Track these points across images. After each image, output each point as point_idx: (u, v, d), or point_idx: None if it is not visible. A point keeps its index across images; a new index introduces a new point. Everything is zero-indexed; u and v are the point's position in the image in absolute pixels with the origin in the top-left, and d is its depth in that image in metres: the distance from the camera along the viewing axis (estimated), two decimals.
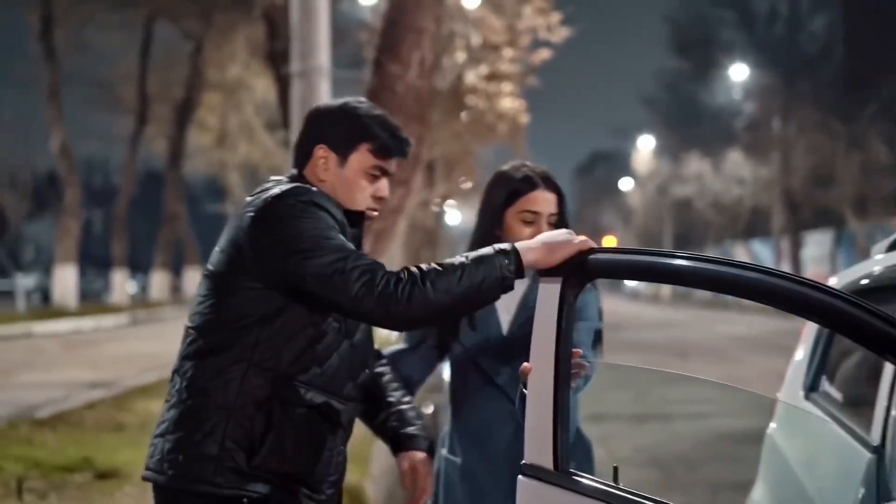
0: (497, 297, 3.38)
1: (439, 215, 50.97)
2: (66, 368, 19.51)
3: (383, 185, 3.72)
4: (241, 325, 3.49)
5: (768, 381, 17.17)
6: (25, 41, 43.44)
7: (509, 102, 30.40)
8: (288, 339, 3.48)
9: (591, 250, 3.30)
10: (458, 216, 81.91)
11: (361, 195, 3.67)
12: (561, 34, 26.88)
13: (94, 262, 73.39)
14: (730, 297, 12.88)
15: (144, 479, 3.58)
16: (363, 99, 3.82)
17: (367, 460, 11.64)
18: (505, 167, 4.40)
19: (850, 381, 4.58)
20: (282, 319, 3.47)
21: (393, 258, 29.26)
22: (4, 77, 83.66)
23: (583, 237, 3.35)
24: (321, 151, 3.68)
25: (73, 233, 40.84)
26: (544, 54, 28.34)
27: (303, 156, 3.75)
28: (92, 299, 52.25)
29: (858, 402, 4.20)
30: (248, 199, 3.63)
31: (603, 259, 3.31)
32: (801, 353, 5.12)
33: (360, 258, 3.35)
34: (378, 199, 3.71)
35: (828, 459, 4.28)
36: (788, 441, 4.90)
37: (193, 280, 56.59)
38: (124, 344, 26.21)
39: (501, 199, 4.31)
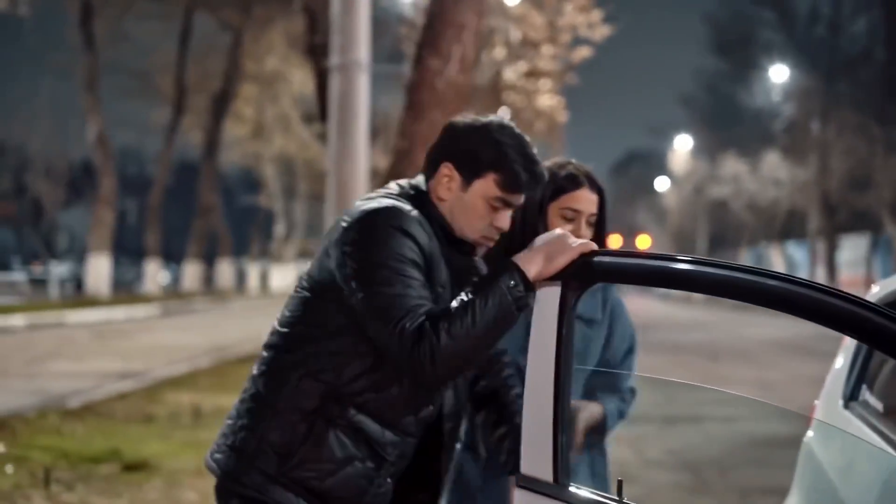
0: (517, 320, 3.25)
1: None
2: (97, 358, 19.51)
3: (504, 217, 3.47)
4: (310, 332, 3.39)
5: (800, 386, 17.05)
6: (65, 30, 43.63)
7: (548, 100, 30.38)
8: (351, 357, 3.34)
9: (593, 252, 3.18)
10: None
11: (479, 224, 3.46)
12: (602, 32, 26.87)
13: (128, 252, 73.56)
14: None
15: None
16: (508, 121, 3.51)
17: None
18: (548, 163, 4.19)
19: (891, 391, 4.48)
20: (350, 337, 3.33)
21: None
22: (43, 66, 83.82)
23: (583, 240, 3.24)
24: (446, 170, 3.46)
25: (107, 222, 40.92)
26: (584, 52, 28.32)
27: (430, 168, 3.52)
28: (125, 289, 52.35)
29: None
30: (357, 202, 3.47)
31: (606, 262, 3.19)
32: (840, 361, 5.04)
33: (412, 311, 3.19)
34: (497, 228, 3.48)
35: (866, 470, 4.19)
36: (826, 450, 4.79)
37: (226, 272, 56.74)
38: (155, 335, 26.24)
39: (546, 194, 4.16)
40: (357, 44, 13.87)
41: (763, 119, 68.03)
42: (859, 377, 4.75)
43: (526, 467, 3.13)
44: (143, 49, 49.63)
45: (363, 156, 13.74)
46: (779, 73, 60.16)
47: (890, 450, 3.81)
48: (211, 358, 19.82)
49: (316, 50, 16.76)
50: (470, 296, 3.19)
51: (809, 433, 5.06)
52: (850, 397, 4.77)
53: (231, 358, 19.91)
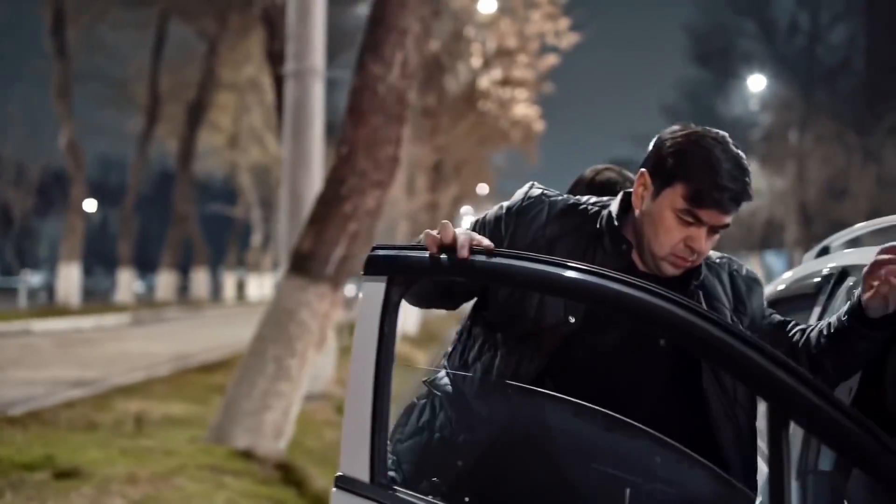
0: None
1: (452, 219, 50.87)
2: (55, 366, 19.31)
3: (699, 237, 3.20)
4: None
5: None
6: (39, 37, 43.45)
7: (523, 109, 30.37)
8: None
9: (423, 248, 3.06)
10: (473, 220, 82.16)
11: (668, 238, 3.22)
12: (569, 39, 26.83)
13: (105, 261, 73.25)
14: None
15: None
16: (721, 134, 3.27)
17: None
18: (591, 173, 4.18)
19: None
20: None
21: None
22: (16, 72, 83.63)
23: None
24: (641, 177, 3.33)
25: (77, 231, 40.62)
26: (551, 60, 28.32)
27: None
28: (99, 298, 52.06)
29: None
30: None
31: (414, 259, 3.06)
32: None
33: None
34: (689, 248, 3.22)
35: None
36: None
37: (201, 281, 56.45)
38: (121, 343, 26.01)
39: None
40: (312, 51, 13.82)
41: (741, 128, 68.08)
42: None
43: (344, 467, 3.07)
44: (118, 57, 49.39)
45: (318, 163, 13.68)
46: (757, 83, 60.18)
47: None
48: (171, 366, 19.61)
49: (274, 57, 16.69)
50: None
51: None
52: None
53: (193, 366, 19.72)
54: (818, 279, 4.04)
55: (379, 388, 3.02)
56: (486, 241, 3.01)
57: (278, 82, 15.80)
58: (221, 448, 10.01)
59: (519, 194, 3.46)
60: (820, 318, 3.65)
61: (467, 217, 75.66)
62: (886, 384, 3.15)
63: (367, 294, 3.10)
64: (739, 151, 3.21)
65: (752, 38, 65.09)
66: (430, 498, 2.98)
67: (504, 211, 3.43)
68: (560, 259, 2.95)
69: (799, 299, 4.23)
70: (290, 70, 13.85)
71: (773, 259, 67.93)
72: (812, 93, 57.39)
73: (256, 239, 68.87)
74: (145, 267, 67.60)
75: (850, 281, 3.62)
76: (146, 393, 15.34)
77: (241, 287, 68.82)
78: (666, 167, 3.25)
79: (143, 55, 48.31)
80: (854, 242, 4.56)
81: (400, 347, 25.73)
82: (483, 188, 53.57)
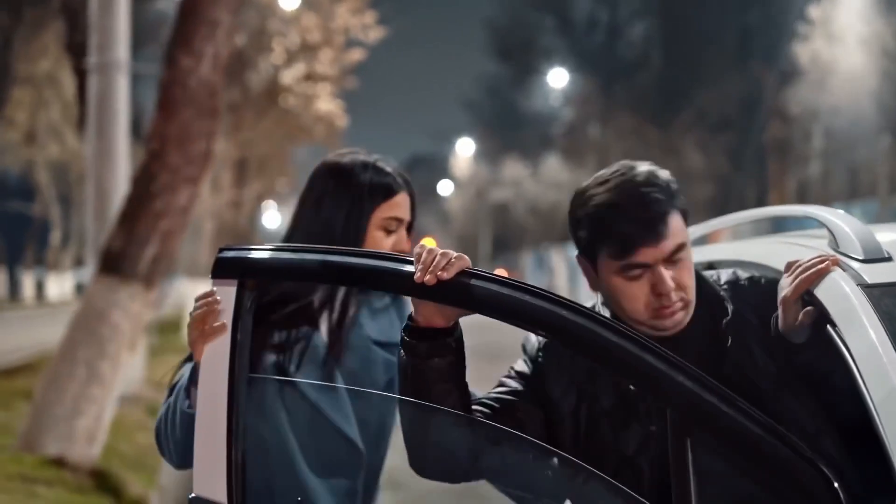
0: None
1: (254, 217, 50.30)
2: None
3: (656, 279, 2.90)
4: None
5: None
6: None
7: (326, 104, 30.22)
8: None
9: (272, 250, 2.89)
10: (276, 218, 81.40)
11: (634, 302, 2.93)
12: (375, 34, 26.76)
13: None
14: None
15: None
16: (609, 173, 3.00)
17: (155, 469, 11.19)
18: (344, 162, 3.52)
19: None
20: None
21: (199, 261, 28.72)
22: None
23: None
24: (581, 265, 3.11)
25: None
26: (357, 54, 28.24)
27: None
28: None
29: None
30: None
31: (266, 260, 2.85)
32: None
33: None
34: (660, 295, 2.91)
35: None
36: None
37: None
38: None
39: (363, 205, 3.46)
40: (116, 43, 13.42)
41: (543, 123, 68.91)
42: None
43: (198, 488, 2.77)
44: None
45: (123, 158, 13.31)
46: (558, 78, 60.92)
47: None
48: None
49: (75, 50, 16.23)
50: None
51: None
52: None
53: None
54: None
55: (233, 400, 2.76)
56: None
57: (80, 76, 15.32)
58: (31, 456, 9.61)
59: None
60: None
61: (270, 210, 75.05)
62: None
63: (224, 296, 2.83)
64: (632, 173, 2.98)
65: (553, 33, 65.98)
66: None
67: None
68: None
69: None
70: (93, 63, 13.42)
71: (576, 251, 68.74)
72: (612, 88, 58.38)
73: (56, 237, 67.28)
74: None
75: (713, 275, 3.52)
76: None
77: (40, 287, 67.12)
78: (584, 243, 3.00)
79: None
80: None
81: None
82: (285, 184, 53.17)
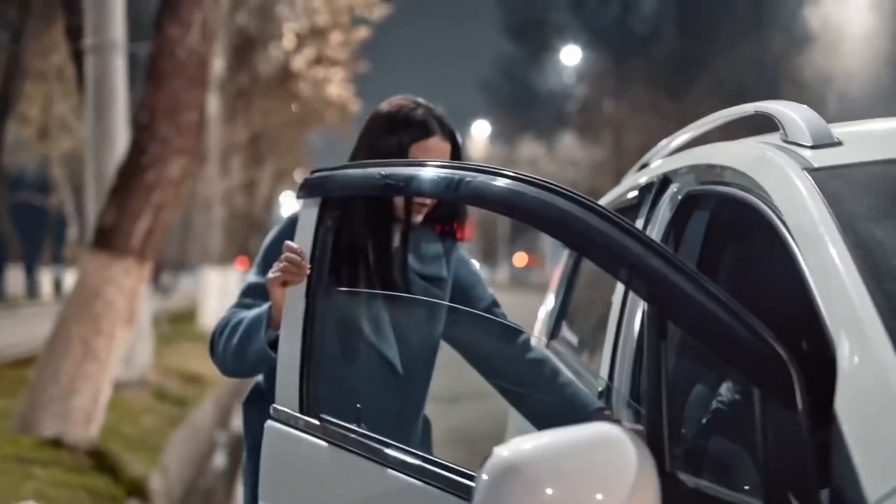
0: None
1: (271, 204, 50.20)
2: None
3: None
4: None
5: None
6: None
7: (337, 89, 30.10)
8: None
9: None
10: (294, 207, 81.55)
11: None
12: (380, 11, 26.58)
13: None
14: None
15: None
16: None
17: (159, 450, 11.04)
18: (389, 107, 3.67)
19: (583, 326, 4.40)
20: None
21: (211, 246, 28.55)
22: None
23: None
24: None
25: None
26: (362, 33, 28.09)
27: None
28: None
29: (591, 345, 3.97)
30: None
31: (344, 177, 3.11)
32: (549, 302, 5.06)
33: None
34: None
35: None
36: None
37: (16, 278, 54.88)
38: None
39: (394, 147, 3.56)
40: (111, 23, 13.23)
41: (557, 101, 68.70)
42: (559, 315, 4.66)
43: (278, 399, 3.07)
44: None
45: (122, 140, 13.11)
46: (571, 55, 60.72)
47: (573, 378, 3.63)
48: None
49: (73, 32, 16.00)
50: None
51: None
52: (552, 335, 4.66)
53: (5, 361, 18.86)
54: (637, 191, 3.92)
55: (310, 315, 2.99)
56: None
57: (78, 58, 15.11)
58: (28, 437, 9.46)
59: None
60: (644, 229, 3.47)
61: (287, 202, 74.99)
62: None
63: (302, 218, 3.14)
64: None
65: (565, 9, 65.74)
66: (354, 426, 2.91)
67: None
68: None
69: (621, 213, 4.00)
70: (89, 44, 13.23)
71: None
72: (625, 62, 58.16)
73: (72, 232, 67.25)
74: None
75: (672, 188, 3.48)
76: None
77: (58, 284, 67.08)
78: None
79: None
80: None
81: None
82: (301, 173, 53.03)
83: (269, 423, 3.07)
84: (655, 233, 3.36)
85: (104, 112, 13.01)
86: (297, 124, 33.77)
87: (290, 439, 3.00)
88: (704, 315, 2.22)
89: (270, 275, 3.17)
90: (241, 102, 28.77)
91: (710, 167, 3.16)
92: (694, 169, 3.32)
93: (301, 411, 2.99)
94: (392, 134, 3.56)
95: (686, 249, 3.24)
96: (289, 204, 76.91)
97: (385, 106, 3.68)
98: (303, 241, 3.10)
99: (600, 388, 3.50)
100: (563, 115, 66.86)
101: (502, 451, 2.04)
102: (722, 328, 2.20)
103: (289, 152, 38.23)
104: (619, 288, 3.50)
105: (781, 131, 2.91)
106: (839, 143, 2.73)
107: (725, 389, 2.92)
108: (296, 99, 30.87)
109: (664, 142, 4.33)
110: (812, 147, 2.73)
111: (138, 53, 16.55)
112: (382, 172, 2.92)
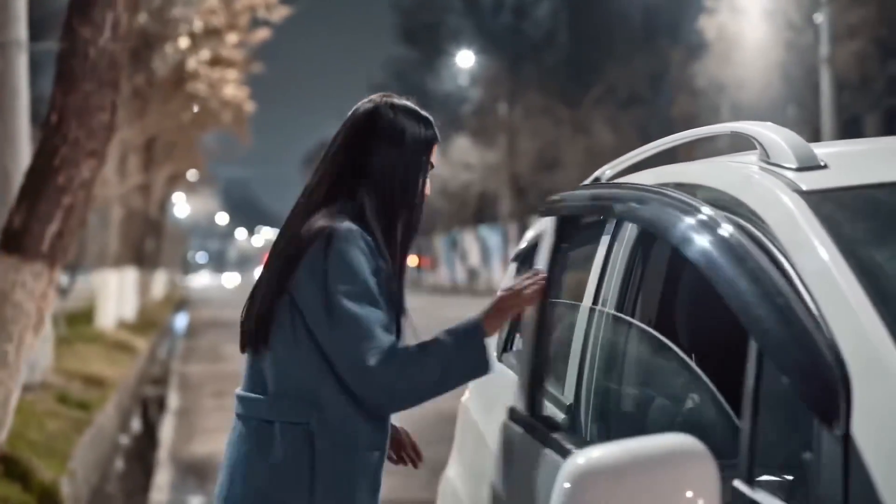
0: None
1: (165, 205, 49.74)
2: None
3: None
4: None
5: None
6: None
7: (233, 90, 29.89)
8: None
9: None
10: (186, 209, 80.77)
11: None
12: (280, 13, 26.43)
13: None
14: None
15: None
16: None
17: (66, 456, 10.87)
18: (401, 101, 3.73)
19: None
20: None
21: (109, 247, 28.21)
22: None
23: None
24: None
25: None
26: (263, 34, 27.91)
27: None
28: None
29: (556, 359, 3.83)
30: None
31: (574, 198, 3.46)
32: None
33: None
34: None
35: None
36: (481, 408, 4.61)
37: None
38: None
39: (422, 142, 3.68)
40: (14, 21, 13.04)
41: (451, 104, 68.80)
42: (512, 326, 4.60)
43: (514, 400, 3.43)
44: None
45: (25, 140, 12.92)
46: (465, 59, 60.90)
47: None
48: None
49: None
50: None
51: (466, 394, 5.00)
52: (504, 348, 4.66)
53: None
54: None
55: (542, 325, 3.23)
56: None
57: None
58: None
59: None
60: (610, 246, 3.49)
61: (180, 203, 74.33)
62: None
63: (543, 236, 3.42)
64: None
65: (459, 14, 65.89)
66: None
67: None
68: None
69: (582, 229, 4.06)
70: None
71: (488, 233, 68.87)
72: (520, 67, 58.43)
73: None
74: None
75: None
76: None
77: None
78: None
79: None
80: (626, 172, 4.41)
81: (117, 334, 24.99)
82: (194, 174, 52.52)
83: (507, 422, 3.34)
84: (623, 249, 3.38)
85: (6, 110, 12.81)
86: (192, 125, 33.45)
87: (522, 440, 3.19)
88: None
89: (525, 291, 3.39)
90: (137, 104, 28.46)
91: (682, 186, 3.12)
92: (680, 186, 3.22)
93: (531, 414, 3.20)
94: (425, 128, 3.70)
95: (653, 267, 3.30)
96: (182, 205, 76.29)
97: (395, 100, 3.72)
98: (542, 256, 3.35)
99: (567, 403, 3.46)
100: (457, 119, 67.00)
101: (579, 459, 2.07)
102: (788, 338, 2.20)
103: (185, 155, 37.89)
104: (587, 297, 3.49)
105: (761, 152, 2.88)
106: (824, 166, 2.73)
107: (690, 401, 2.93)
108: (192, 100, 30.59)
109: (615, 162, 4.34)
110: (797, 169, 2.71)
111: (38, 52, 16.34)
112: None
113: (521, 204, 58.45)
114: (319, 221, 3.36)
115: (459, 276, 76.28)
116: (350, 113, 3.68)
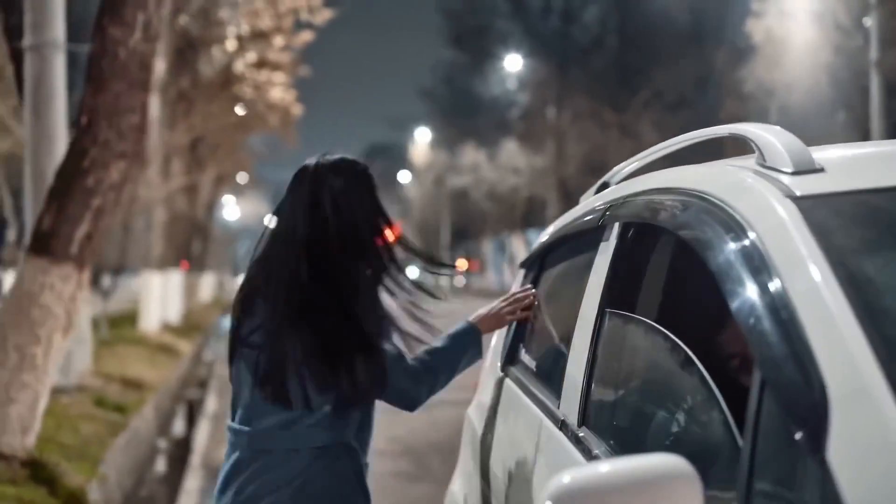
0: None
1: (212, 207, 49.85)
2: None
3: None
4: None
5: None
6: None
7: (280, 93, 29.91)
8: None
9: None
10: (236, 211, 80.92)
11: None
12: (323, 15, 26.38)
13: None
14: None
15: None
16: None
17: (98, 460, 10.80)
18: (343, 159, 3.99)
19: (543, 349, 4.28)
20: None
21: (152, 249, 28.26)
22: None
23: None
24: None
25: None
26: (306, 36, 27.90)
27: None
28: None
29: (551, 372, 3.83)
30: None
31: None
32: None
33: None
34: None
35: (521, 436, 3.87)
36: (484, 419, 4.55)
37: None
38: None
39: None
40: (52, 22, 13.01)
41: (499, 108, 68.78)
42: (516, 338, 4.52)
43: (562, 409, 3.36)
44: None
45: (62, 142, 12.89)
46: (514, 63, 60.84)
47: (531, 404, 3.74)
48: None
49: (12, 31, 15.73)
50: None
51: (472, 405, 4.95)
52: (508, 361, 4.55)
53: None
54: (598, 214, 3.85)
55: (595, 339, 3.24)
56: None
57: (16, 58, 14.83)
58: None
59: None
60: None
61: (230, 206, 74.50)
62: None
63: (605, 243, 3.41)
64: None
65: (507, 18, 65.83)
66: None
67: None
68: None
69: (580, 236, 4.11)
70: (28, 43, 12.99)
71: (536, 237, 68.68)
72: (568, 71, 58.30)
73: (11, 234, 66.64)
74: None
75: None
76: None
77: None
78: None
79: None
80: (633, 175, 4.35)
81: (160, 336, 25.01)
82: (243, 177, 52.67)
83: (556, 432, 3.29)
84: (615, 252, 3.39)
85: (43, 112, 12.77)
86: (238, 128, 33.50)
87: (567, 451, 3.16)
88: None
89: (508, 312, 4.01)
90: (183, 105, 28.52)
91: (678, 191, 3.03)
92: (661, 193, 3.25)
93: (580, 424, 3.15)
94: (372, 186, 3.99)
95: (650, 275, 3.28)
96: (231, 207, 76.46)
97: (357, 161, 4.00)
98: (602, 262, 3.36)
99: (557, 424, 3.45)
100: (504, 122, 66.94)
101: (564, 478, 2.06)
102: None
103: (230, 156, 37.93)
104: (588, 307, 3.43)
105: (758, 155, 2.80)
106: (821, 170, 2.62)
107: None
108: (237, 102, 30.63)
109: (623, 164, 4.25)
110: (793, 174, 2.62)
111: (78, 54, 16.34)
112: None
113: (568, 208, 58.33)
114: None
115: (507, 279, 76.21)
116: None
